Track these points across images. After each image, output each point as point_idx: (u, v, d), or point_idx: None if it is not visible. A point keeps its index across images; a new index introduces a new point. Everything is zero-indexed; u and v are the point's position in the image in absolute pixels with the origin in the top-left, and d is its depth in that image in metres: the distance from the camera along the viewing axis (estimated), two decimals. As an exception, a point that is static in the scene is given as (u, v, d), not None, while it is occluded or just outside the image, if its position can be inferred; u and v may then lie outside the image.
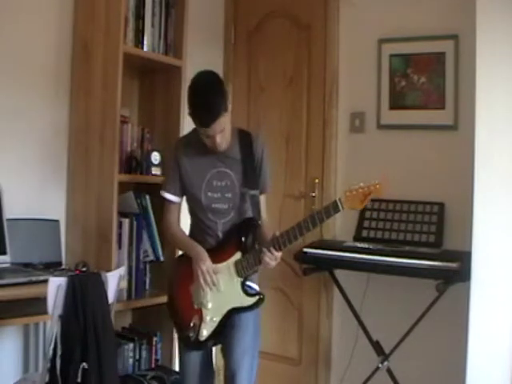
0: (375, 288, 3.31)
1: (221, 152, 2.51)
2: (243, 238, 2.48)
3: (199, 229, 2.59)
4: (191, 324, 2.49)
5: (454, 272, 2.77)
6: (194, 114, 2.42)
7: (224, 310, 2.47)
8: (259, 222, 2.54)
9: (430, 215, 3.17)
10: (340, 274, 3.32)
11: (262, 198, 2.61)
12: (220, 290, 2.47)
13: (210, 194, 2.54)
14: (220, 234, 2.54)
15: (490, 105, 2.62)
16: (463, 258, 2.74)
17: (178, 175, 2.58)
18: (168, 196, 2.61)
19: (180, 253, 2.77)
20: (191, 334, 2.49)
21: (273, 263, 2.41)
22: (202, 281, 2.45)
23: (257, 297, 2.48)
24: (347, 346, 3.44)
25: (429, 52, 3.28)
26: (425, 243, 3.11)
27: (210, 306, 2.48)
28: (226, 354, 2.49)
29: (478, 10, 2.63)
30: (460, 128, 3.18)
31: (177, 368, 3.07)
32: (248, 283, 2.51)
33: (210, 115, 2.36)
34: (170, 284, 2.65)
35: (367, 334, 3.20)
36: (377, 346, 3.14)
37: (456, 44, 3.18)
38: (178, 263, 2.70)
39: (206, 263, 2.45)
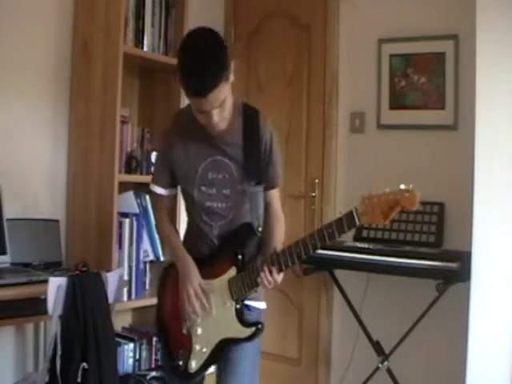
0: (375, 288, 3.31)
1: (218, 135, 2.01)
2: (239, 256, 2.02)
3: (193, 232, 2.16)
4: (180, 351, 2.09)
5: (453, 272, 2.76)
6: (184, 80, 1.87)
7: (215, 340, 2.03)
8: (259, 228, 2.11)
9: (429, 215, 3.17)
10: (340, 274, 3.32)
11: (272, 195, 2.14)
12: (212, 314, 2.04)
13: (203, 188, 2.06)
14: (215, 241, 2.08)
15: (490, 105, 2.62)
16: (463, 258, 2.74)
17: (167, 163, 2.12)
18: (154, 189, 2.17)
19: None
20: (180, 363, 2.08)
21: (271, 286, 1.97)
22: (187, 306, 2.03)
23: (253, 328, 2.00)
24: (347, 346, 3.44)
25: (429, 52, 3.28)
26: (425, 243, 3.11)
27: (199, 332, 2.06)
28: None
29: (478, 10, 2.63)
30: (460, 128, 3.18)
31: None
32: (248, 303, 2.08)
33: (206, 82, 1.83)
34: (158, 298, 2.23)
35: (367, 334, 3.20)
36: (377, 346, 3.14)
37: (456, 44, 3.18)
38: (165, 274, 2.23)
39: (193, 284, 2.02)
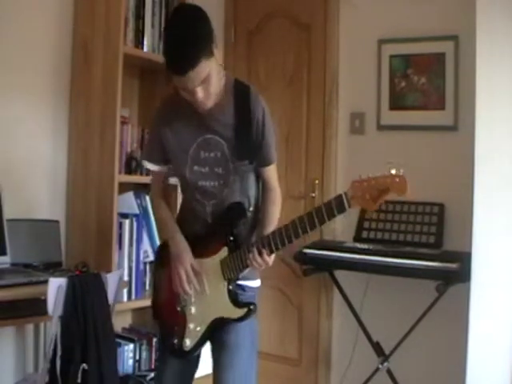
0: (375, 288, 3.31)
1: (208, 113, 1.98)
2: (230, 236, 2.02)
3: (187, 211, 2.15)
4: (175, 329, 2.11)
5: (453, 273, 2.76)
6: (165, 58, 1.87)
7: (209, 320, 2.04)
8: (250, 208, 2.08)
9: (429, 216, 3.17)
10: (340, 274, 3.32)
11: (268, 171, 2.11)
12: (205, 293, 2.04)
13: (196, 168, 2.04)
14: (209, 219, 2.07)
15: (490, 105, 2.62)
16: (463, 259, 2.74)
17: (158, 140, 2.10)
18: (146, 164, 2.18)
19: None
20: (175, 341, 2.10)
21: (261, 268, 1.98)
22: (179, 287, 2.04)
23: (245, 309, 2.00)
24: (347, 346, 3.44)
25: (429, 53, 3.27)
26: (425, 244, 3.10)
27: (193, 311, 2.07)
28: (216, 378, 2.07)
29: (478, 10, 2.63)
30: (460, 128, 3.18)
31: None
32: (242, 283, 2.08)
33: (186, 58, 1.82)
34: (155, 278, 2.26)
35: (367, 335, 3.20)
36: (377, 347, 3.14)
37: (456, 44, 3.18)
38: (160, 252, 2.23)
39: (184, 265, 2.02)
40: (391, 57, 3.39)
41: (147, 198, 3.14)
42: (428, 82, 3.28)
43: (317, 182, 3.62)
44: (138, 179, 3.10)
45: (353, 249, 3.10)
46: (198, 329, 2.07)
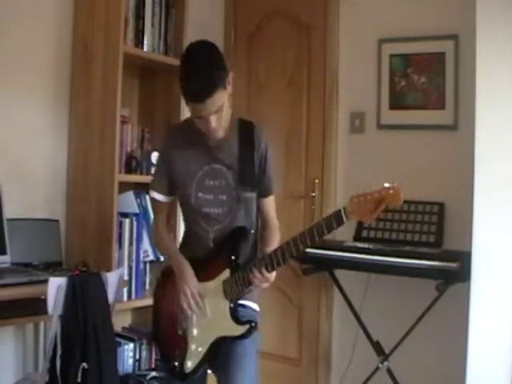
0: (375, 288, 3.31)
1: (215, 145, 2.12)
2: (233, 257, 2.10)
3: (190, 237, 2.25)
4: (176, 353, 2.15)
5: (453, 272, 2.76)
6: (184, 86, 1.98)
7: (210, 339, 2.09)
8: (251, 231, 2.18)
9: (429, 215, 3.17)
10: (340, 274, 3.32)
11: (268, 202, 2.23)
12: (207, 315, 2.10)
13: (200, 194, 2.14)
14: (211, 245, 2.16)
15: (490, 105, 2.62)
16: (463, 258, 2.74)
17: (166, 170, 2.21)
18: (154, 195, 2.25)
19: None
20: (176, 364, 2.14)
21: (264, 285, 2.06)
22: (185, 306, 2.10)
23: (247, 326, 2.06)
24: (347, 346, 3.44)
25: (429, 52, 3.28)
26: (425, 243, 3.11)
27: (195, 333, 2.12)
28: (227, 379, 2.11)
29: (478, 10, 2.63)
30: (460, 128, 3.18)
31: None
32: (242, 302, 2.16)
33: (205, 87, 1.93)
34: (155, 302, 2.30)
35: (367, 334, 3.20)
36: (377, 346, 3.14)
37: (456, 44, 3.18)
38: (162, 277, 2.31)
39: (190, 286, 2.09)
40: (391, 56, 3.39)
41: (147, 197, 3.14)
42: (428, 81, 3.29)
43: (317, 181, 3.62)
44: (138, 179, 3.10)
45: (353, 248, 3.10)
46: (200, 349, 2.11)
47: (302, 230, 1.97)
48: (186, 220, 2.26)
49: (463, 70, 3.15)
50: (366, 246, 3.12)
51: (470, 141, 2.66)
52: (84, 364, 2.23)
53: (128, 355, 3.09)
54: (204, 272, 2.14)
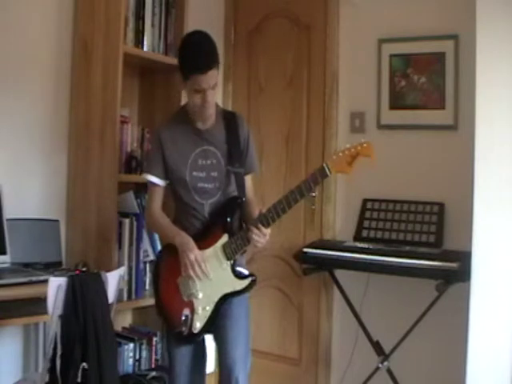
0: (375, 288, 3.31)
1: (204, 129, 2.42)
2: (228, 219, 2.38)
3: (185, 213, 2.47)
4: (183, 318, 2.38)
5: (453, 272, 2.77)
6: (188, 60, 2.29)
7: (216, 298, 2.37)
8: (243, 199, 2.43)
9: (429, 215, 3.17)
10: (340, 273, 3.32)
11: (249, 179, 2.53)
12: (210, 278, 2.35)
13: (195, 173, 2.43)
14: (207, 216, 2.44)
15: (489, 105, 2.62)
16: (463, 258, 2.74)
17: (162, 157, 2.44)
18: (152, 179, 2.46)
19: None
20: (183, 329, 2.38)
21: (262, 240, 2.30)
22: (191, 272, 2.33)
23: (249, 278, 2.38)
24: (347, 346, 3.44)
25: (429, 52, 3.27)
26: (425, 243, 3.11)
27: (200, 295, 2.36)
28: (220, 344, 2.41)
29: (478, 9, 2.63)
30: (460, 128, 3.18)
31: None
32: (237, 268, 2.41)
33: (207, 59, 2.26)
34: (156, 279, 2.52)
35: (367, 334, 3.20)
36: (377, 346, 3.14)
37: (456, 44, 3.18)
38: (161, 255, 2.57)
39: (193, 252, 2.33)
40: (391, 56, 3.39)
41: (147, 197, 3.14)
42: (428, 81, 3.29)
43: (317, 181, 3.62)
44: (138, 179, 3.09)
45: (353, 248, 3.11)
46: (207, 308, 2.37)
47: (291, 189, 2.30)
48: (179, 200, 2.48)
49: (463, 70, 3.15)
50: (365, 245, 3.13)
51: (470, 141, 2.66)
52: (84, 364, 2.23)
53: (128, 355, 3.09)
54: (203, 241, 2.38)
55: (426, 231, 3.14)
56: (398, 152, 3.37)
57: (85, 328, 2.26)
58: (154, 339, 3.20)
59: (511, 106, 2.60)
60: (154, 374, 3.04)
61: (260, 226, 2.29)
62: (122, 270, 2.63)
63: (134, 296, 3.06)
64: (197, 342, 2.45)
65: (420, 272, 2.84)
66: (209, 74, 2.25)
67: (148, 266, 3.19)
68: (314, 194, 3.63)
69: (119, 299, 2.72)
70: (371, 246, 3.11)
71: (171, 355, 2.52)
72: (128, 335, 3.17)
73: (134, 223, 3.05)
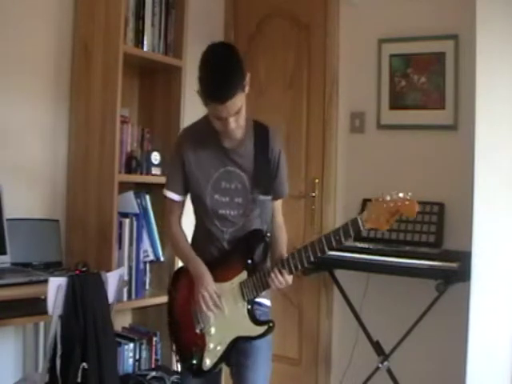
0: (375, 288, 3.31)
1: (231, 147, 2.15)
2: (249, 260, 2.14)
3: (203, 235, 2.25)
4: (193, 350, 2.19)
5: (453, 272, 2.76)
6: (206, 87, 2.00)
7: (229, 339, 2.14)
8: (268, 234, 2.19)
9: (430, 215, 3.17)
10: (340, 273, 3.32)
11: (279, 203, 2.28)
12: (224, 315, 2.14)
13: (216, 196, 2.16)
14: (226, 245, 2.19)
15: (489, 105, 2.62)
16: (463, 258, 2.74)
17: (181, 170, 2.21)
18: (170, 195, 2.25)
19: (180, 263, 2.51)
20: (194, 362, 2.18)
21: (281, 287, 2.09)
22: (203, 306, 2.12)
23: (265, 326, 2.12)
24: (347, 346, 3.44)
25: (429, 52, 3.28)
26: (425, 243, 3.11)
27: (213, 331, 2.16)
28: (237, 382, 2.20)
29: (478, 9, 2.63)
30: (460, 128, 3.18)
31: (176, 368, 3.08)
32: (258, 300, 2.19)
33: (227, 88, 1.96)
34: (170, 301, 2.32)
35: (367, 334, 3.20)
36: (377, 346, 3.14)
37: (456, 44, 3.18)
38: (177, 276, 2.33)
39: (208, 287, 2.12)
40: (391, 56, 3.39)
41: (147, 197, 3.14)
42: (428, 81, 3.29)
43: (317, 181, 3.62)
44: (138, 179, 3.10)
45: (353, 248, 3.10)
46: (218, 348, 2.16)
47: (319, 236, 2.04)
48: (198, 218, 2.26)
49: (463, 70, 3.15)
50: (366, 245, 3.12)
51: (470, 141, 2.66)
52: (84, 364, 2.23)
53: (128, 355, 3.09)
54: (220, 272, 2.16)
55: (426, 231, 3.14)
56: (398, 152, 3.37)
57: (85, 328, 2.26)
58: (154, 339, 3.20)
59: (511, 106, 2.60)
60: (153, 373, 3.04)
61: (284, 271, 2.06)
62: (122, 270, 2.64)
63: (133, 296, 3.06)
64: (208, 376, 2.21)
65: (420, 272, 2.84)
66: (228, 104, 1.98)
67: (148, 266, 3.19)
68: (313, 194, 3.63)
69: (119, 299, 2.72)
70: (371, 246, 3.10)
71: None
72: (128, 335, 3.17)
73: (134, 223, 3.05)
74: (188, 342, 2.21)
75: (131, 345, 3.10)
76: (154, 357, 3.21)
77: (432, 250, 3.01)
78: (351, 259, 3.03)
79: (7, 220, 2.65)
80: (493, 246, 2.61)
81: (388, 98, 3.41)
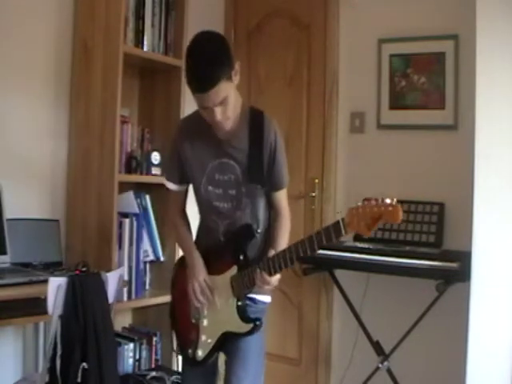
0: (375, 288, 3.31)
1: (225, 139, 2.11)
2: (239, 255, 2.12)
3: (203, 227, 2.28)
4: (190, 341, 2.23)
5: (453, 272, 2.76)
6: (189, 77, 1.96)
7: (219, 332, 2.15)
8: (258, 230, 2.16)
9: (430, 215, 3.17)
10: (340, 273, 3.32)
11: (280, 194, 2.21)
12: (217, 308, 2.16)
13: (210, 188, 2.16)
14: (222, 238, 2.19)
15: (489, 105, 2.62)
16: (463, 258, 2.74)
17: (177, 161, 2.21)
18: (169, 185, 2.27)
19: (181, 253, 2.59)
20: (190, 351, 2.23)
21: (266, 288, 2.07)
22: (193, 298, 2.17)
23: (251, 324, 2.10)
24: (347, 346, 3.44)
25: (429, 52, 3.28)
26: (425, 243, 3.11)
27: (205, 323, 2.19)
28: (228, 376, 2.19)
29: (478, 9, 2.63)
30: (460, 128, 3.18)
31: (176, 367, 3.08)
32: (253, 295, 2.19)
33: (208, 76, 1.91)
34: (171, 290, 2.36)
35: (367, 334, 3.20)
36: (377, 346, 3.14)
37: (456, 44, 3.18)
38: (178, 266, 2.36)
39: (199, 278, 2.15)
40: (391, 56, 3.39)
41: (147, 197, 3.14)
42: (428, 81, 3.29)
43: (317, 181, 3.62)
44: (138, 179, 3.10)
45: (353, 248, 3.10)
46: (209, 341, 2.18)
47: (302, 238, 1.98)
48: (199, 210, 2.27)
49: (463, 70, 3.15)
50: (365, 245, 3.12)
51: (470, 141, 2.66)
52: (84, 364, 2.23)
53: (128, 355, 3.09)
54: (214, 265, 2.18)
55: (426, 231, 3.14)
56: (398, 152, 3.37)
57: (85, 328, 2.26)
58: (154, 339, 3.20)
59: (511, 105, 2.60)
60: (153, 373, 3.04)
61: (264, 274, 2.02)
62: (122, 270, 2.64)
63: (133, 296, 3.06)
64: (204, 366, 2.23)
65: (420, 272, 2.83)
66: (211, 93, 1.93)
67: (148, 266, 3.19)
68: (313, 194, 3.63)
69: (119, 299, 2.72)
70: (371, 246, 3.10)
71: (183, 373, 2.40)
72: (128, 335, 3.17)
73: (134, 223, 3.05)
74: (185, 331, 2.25)
75: (131, 345, 3.10)
76: (153, 357, 3.21)
77: (432, 250, 3.01)
78: (351, 259, 3.03)
79: (7, 220, 2.65)
80: (493, 246, 2.60)
81: (388, 98, 3.41)
